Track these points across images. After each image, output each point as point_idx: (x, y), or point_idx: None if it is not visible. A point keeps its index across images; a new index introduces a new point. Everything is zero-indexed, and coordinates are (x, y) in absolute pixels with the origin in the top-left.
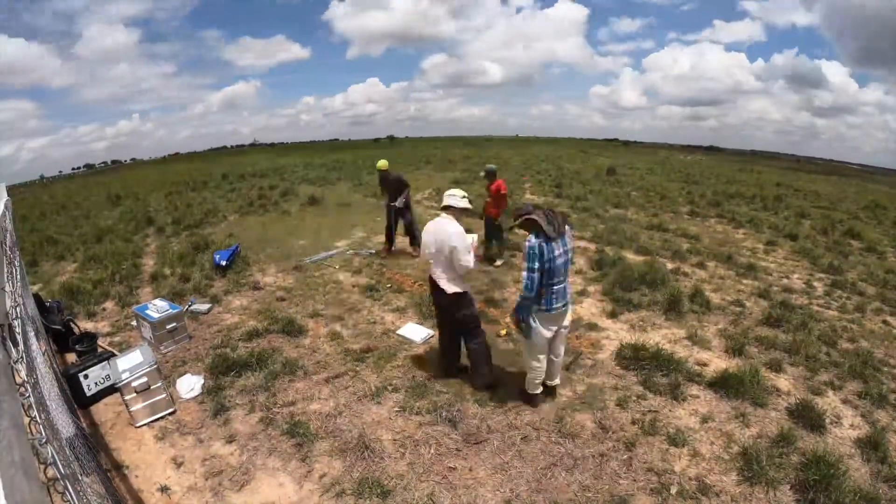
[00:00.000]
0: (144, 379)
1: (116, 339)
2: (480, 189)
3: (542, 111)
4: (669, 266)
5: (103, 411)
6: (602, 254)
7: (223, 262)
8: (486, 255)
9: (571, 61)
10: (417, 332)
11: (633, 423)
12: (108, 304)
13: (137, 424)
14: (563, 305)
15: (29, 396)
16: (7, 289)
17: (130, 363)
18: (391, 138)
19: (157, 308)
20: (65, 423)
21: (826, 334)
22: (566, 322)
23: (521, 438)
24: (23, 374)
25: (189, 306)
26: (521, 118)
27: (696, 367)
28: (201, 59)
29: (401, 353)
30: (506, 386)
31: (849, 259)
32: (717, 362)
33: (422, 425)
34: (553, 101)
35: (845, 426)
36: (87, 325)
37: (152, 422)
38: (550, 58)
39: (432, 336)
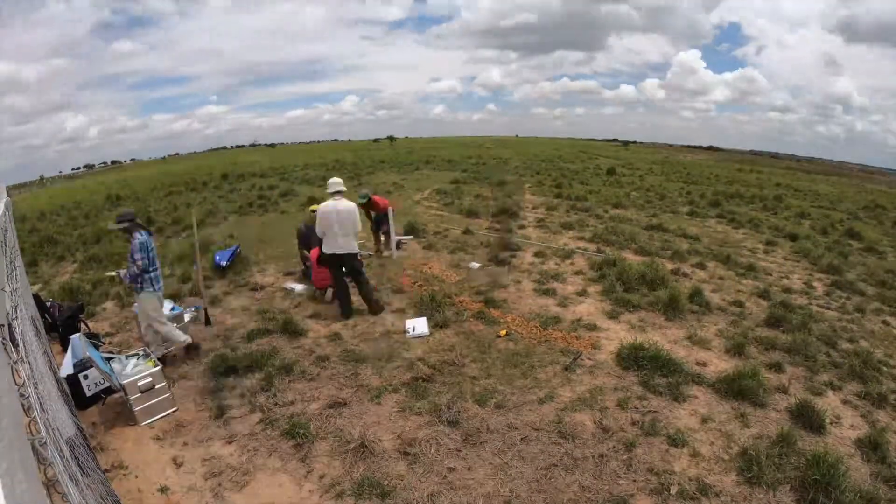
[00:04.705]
0: (149, 379)
1: (116, 339)
2: (480, 189)
3: None
4: (669, 266)
5: (103, 411)
6: (602, 254)
7: (223, 263)
8: None
9: None
10: (422, 326)
11: (633, 423)
12: (108, 305)
13: (141, 424)
14: None
15: (29, 397)
16: (7, 289)
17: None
18: (391, 138)
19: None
20: (65, 424)
21: (826, 334)
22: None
23: (521, 439)
24: (23, 374)
25: (190, 310)
26: None
27: (696, 368)
28: None
29: (401, 353)
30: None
31: (849, 259)
32: (717, 363)
33: (422, 426)
34: None
35: (845, 426)
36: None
37: (155, 421)
38: None
39: (429, 335)
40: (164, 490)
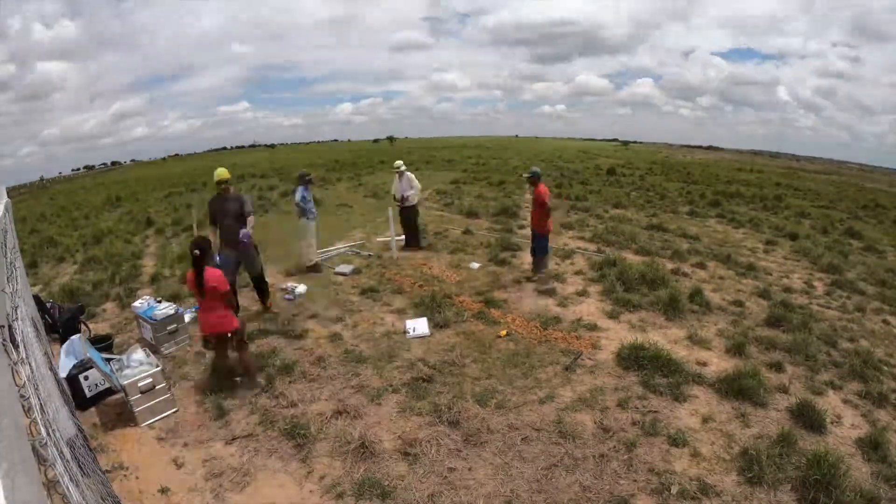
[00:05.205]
0: (150, 380)
1: (117, 340)
2: (480, 189)
3: None
4: (669, 266)
5: (104, 412)
6: (602, 254)
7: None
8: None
9: None
10: (422, 326)
11: (634, 423)
12: (108, 305)
13: (141, 424)
14: None
15: (29, 398)
16: (7, 290)
17: (136, 363)
18: (391, 138)
19: (148, 304)
20: (65, 424)
21: (826, 334)
22: None
23: (522, 439)
24: (23, 375)
25: (191, 311)
26: None
27: (696, 368)
28: None
29: (401, 354)
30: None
31: (849, 258)
32: (718, 362)
33: (422, 426)
34: None
35: (846, 426)
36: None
37: (155, 422)
38: None
39: (430, 335)
40: (164, 491)
